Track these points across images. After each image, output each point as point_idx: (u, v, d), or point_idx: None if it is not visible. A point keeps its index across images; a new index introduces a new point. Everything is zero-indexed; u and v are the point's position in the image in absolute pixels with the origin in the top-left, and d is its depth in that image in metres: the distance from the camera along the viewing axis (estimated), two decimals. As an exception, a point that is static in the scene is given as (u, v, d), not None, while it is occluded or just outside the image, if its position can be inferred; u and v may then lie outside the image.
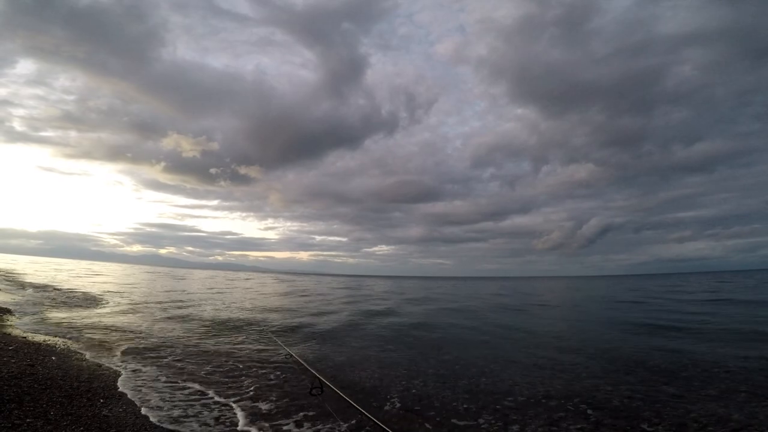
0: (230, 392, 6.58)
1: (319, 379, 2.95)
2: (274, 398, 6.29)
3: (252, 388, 6.76)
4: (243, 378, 7.34)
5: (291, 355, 3.79)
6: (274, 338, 7.62)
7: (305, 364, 3.64)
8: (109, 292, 24.77)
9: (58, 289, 23.63)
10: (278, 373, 7.50)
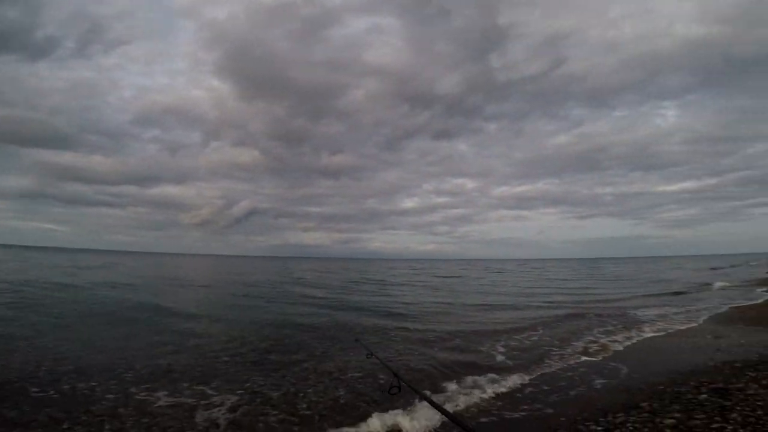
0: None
1: (398, 378, 2.89)
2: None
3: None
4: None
5: (372, 354, 3.74)
6: (360, 340, 6.80)
7: (385, 364, 3.65)
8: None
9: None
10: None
